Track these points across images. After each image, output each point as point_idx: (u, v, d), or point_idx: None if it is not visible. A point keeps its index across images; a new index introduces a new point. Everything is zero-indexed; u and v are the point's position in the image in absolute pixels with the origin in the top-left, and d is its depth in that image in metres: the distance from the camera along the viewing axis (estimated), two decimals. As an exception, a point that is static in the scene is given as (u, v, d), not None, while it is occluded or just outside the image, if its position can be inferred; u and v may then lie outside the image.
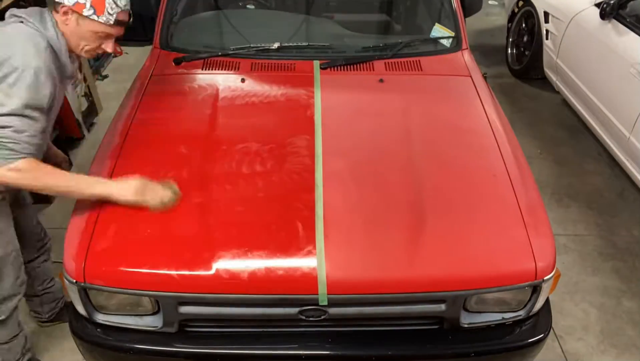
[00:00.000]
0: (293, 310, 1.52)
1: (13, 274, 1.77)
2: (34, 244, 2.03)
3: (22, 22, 1.52)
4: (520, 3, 4.37)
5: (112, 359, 1.65)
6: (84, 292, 1.53)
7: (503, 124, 2.00)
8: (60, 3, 1.52)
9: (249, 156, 1.80)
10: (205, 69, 2.24)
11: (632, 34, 3.03)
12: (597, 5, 3.38)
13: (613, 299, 2.51)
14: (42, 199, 2.94)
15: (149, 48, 2.46)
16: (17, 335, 1.90)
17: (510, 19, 4.56)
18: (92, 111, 3.74)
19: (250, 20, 2.62)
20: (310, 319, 1.54)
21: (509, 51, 4.59)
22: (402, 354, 1.59)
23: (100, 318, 1.59)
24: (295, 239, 1.52)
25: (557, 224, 2.90)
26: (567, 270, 2.63)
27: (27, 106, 1.44)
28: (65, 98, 3.29)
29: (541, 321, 1.67)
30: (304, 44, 2.34)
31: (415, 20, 2.77)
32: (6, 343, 1.89)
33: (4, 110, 1.42)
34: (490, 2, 6.07)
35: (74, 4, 1.51)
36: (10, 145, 1.43)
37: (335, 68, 2.25)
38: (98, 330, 1.61)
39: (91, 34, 1.57)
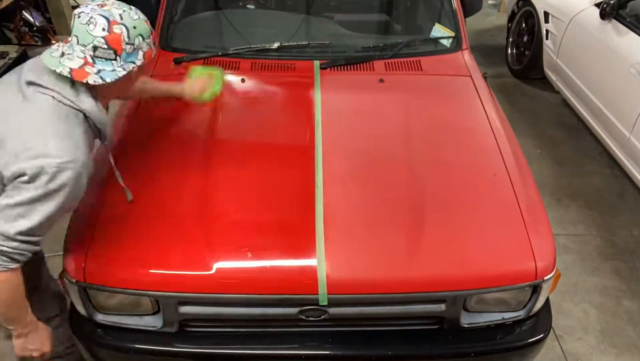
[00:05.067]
0: (293, 310, 1.52)
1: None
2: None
3: (52, 96, 1.28)
4: (520, 3, 4.37)
5: (112, 359, 1.65)
6: (84, 292, 1.53)
7: (503, 124, 2.00)
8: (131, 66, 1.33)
9: (249, 156, 1.80)
10: (205, 69, 2.23)
11: (632, 34, 3.03)
12: (597, 5, 3.38)
13: (613, 300, 2.51)
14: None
15: (149, 48, 2.46)
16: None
17: (510, 19, 4.56)
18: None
19: (250, 20, 2.62)
20: (310, 319, 1.54)
21: (509, 51, 4.59)
22: (402, 354, 1.59)
23: (100, 318, 1.59)
24: (295, 239, 1.52)
25: (557, 224, 2.90)
26: (567, 270, 2.63)
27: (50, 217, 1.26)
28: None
29: (541, 321, 1.67)
30: (304, 43, 2.34)
31: (415, 20, 2.77)
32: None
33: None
34: (490, 1, 6.08)
35: (144, 57, 1.36)
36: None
37: (336, 68, 2.25)
38: (98, 330, 1.61)
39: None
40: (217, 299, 1.50)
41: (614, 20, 3.20)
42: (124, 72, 1.31)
